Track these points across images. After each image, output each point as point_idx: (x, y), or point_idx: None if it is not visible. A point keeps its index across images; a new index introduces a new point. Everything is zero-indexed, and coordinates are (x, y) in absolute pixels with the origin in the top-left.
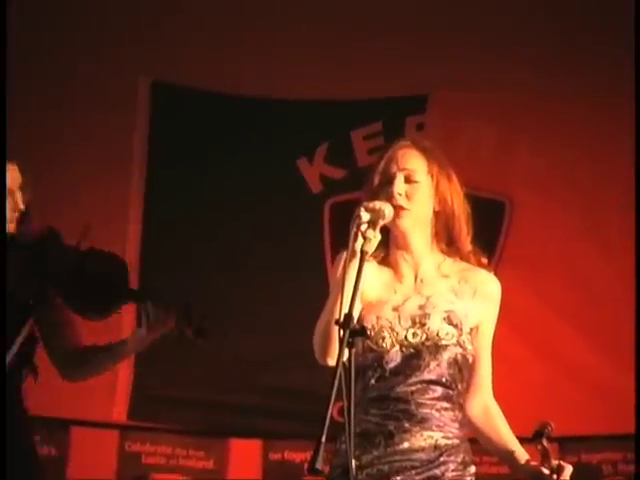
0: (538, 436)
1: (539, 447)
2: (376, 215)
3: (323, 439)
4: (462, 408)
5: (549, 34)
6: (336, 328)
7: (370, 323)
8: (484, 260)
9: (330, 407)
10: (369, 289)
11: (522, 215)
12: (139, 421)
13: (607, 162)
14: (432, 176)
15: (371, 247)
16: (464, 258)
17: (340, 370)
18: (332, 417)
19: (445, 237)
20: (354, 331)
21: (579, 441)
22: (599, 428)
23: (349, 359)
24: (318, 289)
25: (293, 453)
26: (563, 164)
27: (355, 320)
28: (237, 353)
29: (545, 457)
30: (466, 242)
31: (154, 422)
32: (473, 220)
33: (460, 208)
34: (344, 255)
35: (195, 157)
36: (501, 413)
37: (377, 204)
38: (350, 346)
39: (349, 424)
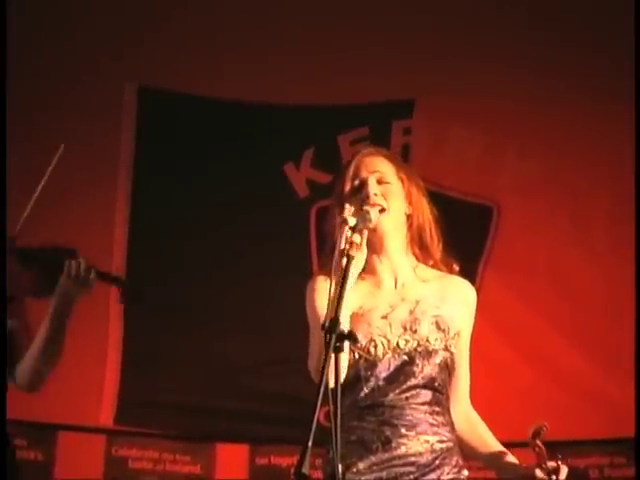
0: (534, 437)
1: (535, 449)
2: (362, 219)
3: (309, 444)
4: (450, 412)
5: (537, 40)
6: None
7: (361, 333)
8: (456, 267)
9: (317, 412)
10: (350, 299)
11: (510, 220)
12: (126, 426)
13: (597, 167)
14: (401, 180)
15: (356, 253)
16: (435, 265)
17: (326, 375)
18: (319, 422)
19: (418, 242)
20: (341, 335)
21: (566, 445)
22: (586, 432)
23: (336, 363)
24: (305, 294)
25: (280, 458)
26: (552, 169)
27: (347, 327)
28: (225, 358)
29: (541, 458)
30: (437, 249)
31: (141, 427)
32: (461, 224)
33: (429, 214)
34: (316, 283)
35: (182, 163)
36: (480, 419)
37: (364, 208)
38: (337, 350)
39: (335, 429)
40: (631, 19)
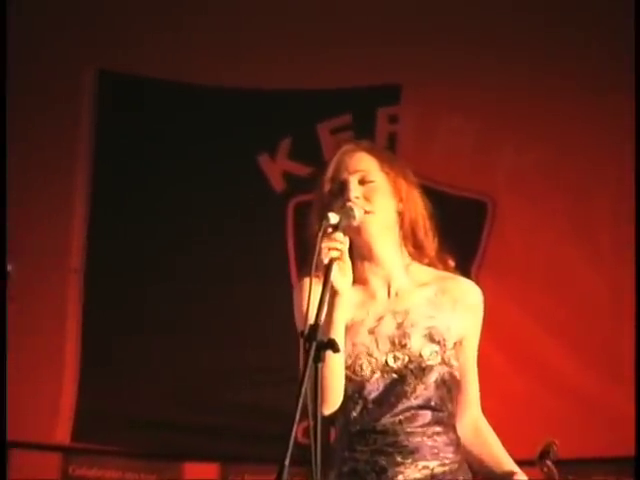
0: (542, 457)
1: (544, 469)
2: (346, 216)
3: (286, 462)
4: (455, 429)
5: (536, 25)
6: (327, 375)
7: (345, 351)
8: (451, 263)
9: (294, 428)
10: (343, 311)
11: (505, 217)
12: (84, 443)
13: (599, 162)
14: (387, 174)
15: (339, 253)
16: (431, 263)
17: (305, 387)
18: (297, 439)
19: (412, 240)
20: (321, 344)
21: (568, 464)
22: (590, 450)
23: (315, 374)
24: (282, 298)
25: (253, 477)
26: (551, 162)
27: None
28: (193, 367)
29: (550, 479)
30: (432, 246)
31: (101, 444)
32: (452, 222)
33: (422, 208)
34: (305, 284)
35: (145, 153)
36: (492, 431)
37: (348, 204)
38: (316, 360)
39: (315, 446)
40: (631, 11)
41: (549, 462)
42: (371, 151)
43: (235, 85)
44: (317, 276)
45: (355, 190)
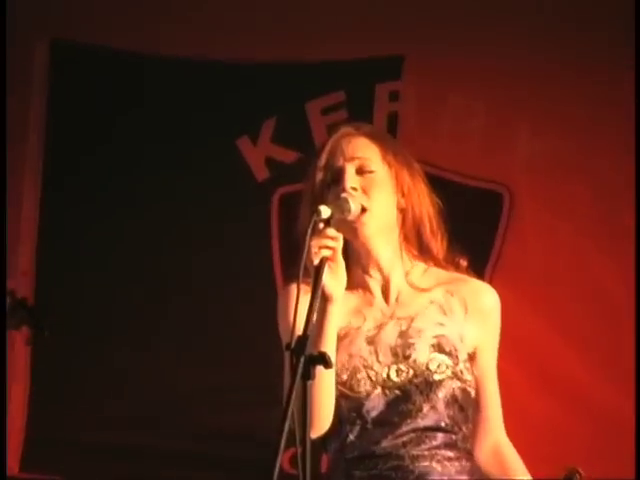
0: None
1: None
2: (339, 209)
3: None
4: (470, 455)
5: None
6: (316, 394)
7: (340, 363)
8: (463, 262)
9: (279, 455)
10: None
11: (524, 210)
12: (35, 473)
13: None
14: (389, 165)
15: (330, 252)
16: (438, 266)
17: (292, 408)
18: (282, 468)
19: (416, 241)
20: (311, 358)
21: None
22: (614, 472)
23: (304, 393)
24: (264, 304)
25: None
26: (574, 146)
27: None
28: (158, 385)
29: None
30: (440, 248)
31: (53, 474)
32: (462, 216)
33: (428, 205)
34: (291, 290)
35: (106, 134)
36: (519, 460)
37: (342, 195)
38: (305, 377)
39: (304, 477)
40: None
41: None
42: (373, 137)
43: (208, 57)
44: (306, 282)
45: (351, 180)
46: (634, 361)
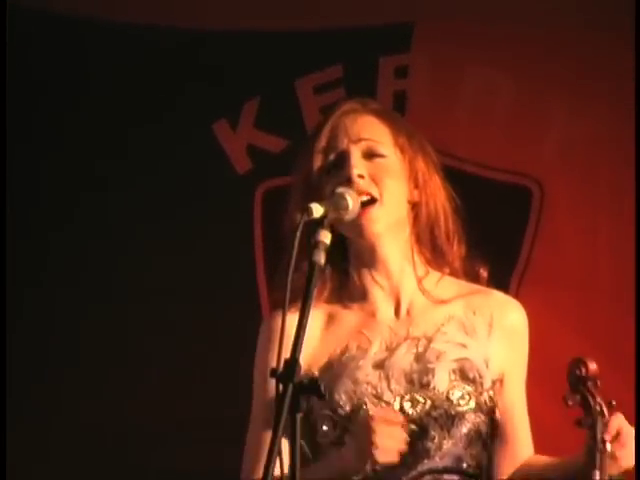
0: (579, 382)
1: (577, 397)
2: (334, 207)
3: None
4: None
5: None
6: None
7: (341, 393)
8: (483, 272)
9: None
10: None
11: (558, 208)
12: None
13: None
14: (401, 150)
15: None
16: (454, 274)
17: (278, 446)
18: None
19: (429, 243)
20: (301, 387)
21: None
22: None
23: (292, 429)
24: (245, 319)
25: None
26: (618, 131)
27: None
28: (112, 420)
29: (586, 408)
30: (455, 253)
31: None
32: (484, 215)
33: (444, 200)
34: (273, 323)
35: (66, 115)
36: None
37: (338, 190)
38: (294, 409)
39: None
40: None
41: (590, 384)
42: (382, 115)
43: (180, 25)
44: (296, 306)
45: (358, 165)
46: None
